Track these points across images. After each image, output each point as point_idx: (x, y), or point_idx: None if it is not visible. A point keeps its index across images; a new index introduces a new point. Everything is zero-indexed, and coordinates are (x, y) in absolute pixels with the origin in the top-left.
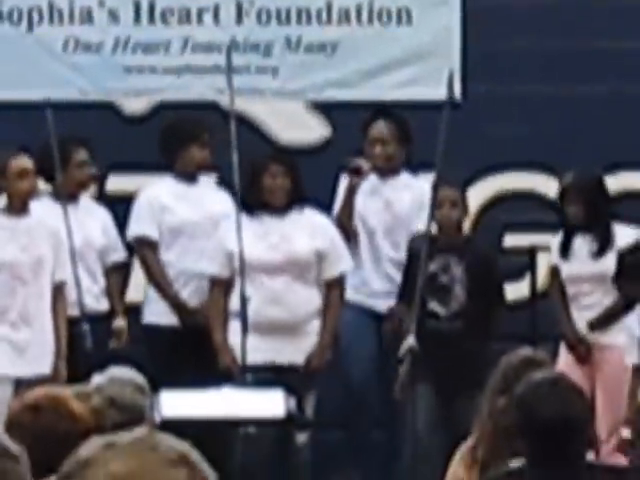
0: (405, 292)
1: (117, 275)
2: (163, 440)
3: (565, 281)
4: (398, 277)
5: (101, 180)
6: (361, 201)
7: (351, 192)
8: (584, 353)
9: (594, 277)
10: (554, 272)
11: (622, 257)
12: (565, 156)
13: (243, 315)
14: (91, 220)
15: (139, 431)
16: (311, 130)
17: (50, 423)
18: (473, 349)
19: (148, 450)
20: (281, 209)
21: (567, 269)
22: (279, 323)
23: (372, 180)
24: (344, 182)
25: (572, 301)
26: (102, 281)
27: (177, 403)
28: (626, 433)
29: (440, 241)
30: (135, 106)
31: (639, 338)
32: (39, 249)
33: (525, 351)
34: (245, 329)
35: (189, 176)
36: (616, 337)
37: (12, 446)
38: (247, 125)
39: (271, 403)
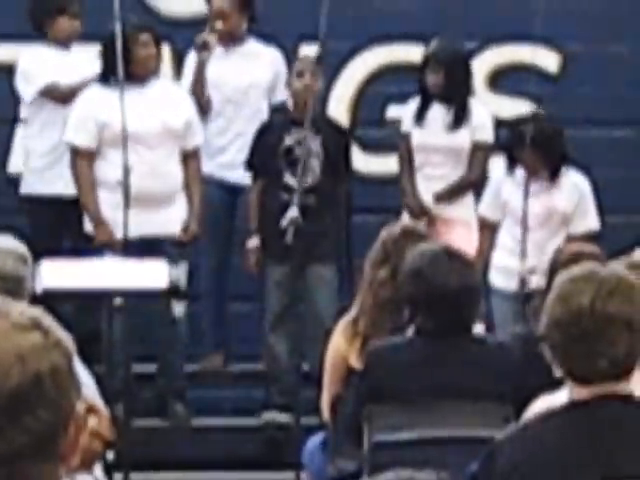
0: (253, 161)
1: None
2: (15, 307)
3: (415, 149)
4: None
5: None
6: (211, 70)
7: (201, 67)
8: (427, 224)
9: (446, 149)
10: (405, 140)
11: (515, 126)
12: (446, 28)
13: (125, 187)
14: None
15: None
16: (191, 2)
17: None
18: (325, 222)
19: None
20: (144, 79)
21: (419, 137)
22: (155, 195)
23: (220, 49)
24: (192, 58)
25: (419, 170)
26: None
27: (59, 273)
28: None
29: (295, 114)
30: None
31: (502, 200)
32: None
33: (405, 223)
34: (127, 202)
35: (62, 45)
36: (461, 211)
37: None
38: None
39: (153, 274)
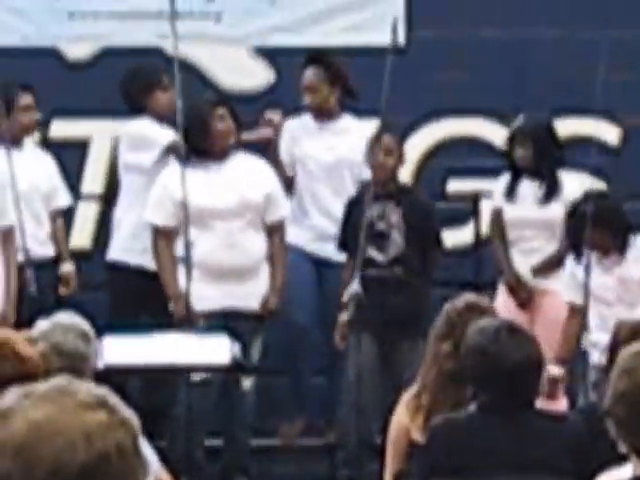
0: (344, 238)
1: (62, 220)
2: (81, 386)
3: (508, 225)
4: (331, 223)
5: (44, 126)
6: (300, 145)
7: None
8: (525, 297)
9: (538, 222)
10: (497, 215)
11: (574, 209)
12: (509, 102)
13: (187, 261)
14: (36, 165)
15: (58, 379)
16: (255, 76)
17: None
18: (412, 295)
19: (65, 395)
20: (224, 154)
21: (511, 212)
22: (234, 268)
23: (309, 124)
24: (286, 130)
25: (514, 245)
26: (47, 226)
27: (121, 350)
28: (555, 371)
29: (377, 188)
30: (78, 52)
31: (580, 280)
32: None
33: (469, 297)
34: (189, 275)
35: (160, 119)
36: (557, 283)
37: None
38: (190, 71)
39: (217, 349)
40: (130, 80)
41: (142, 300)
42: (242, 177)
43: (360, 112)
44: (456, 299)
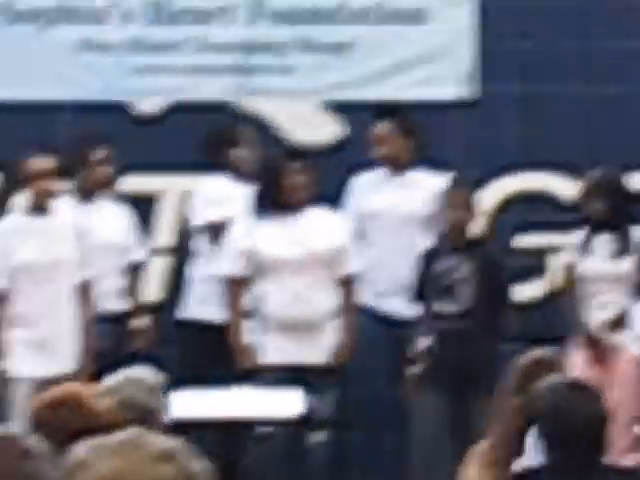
0: (419, 291)
1: (136, 274)
2: (151, 438)
3: (584, 279)
4: (404, 278)
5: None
6: (369, 199)
7: None
8: (600, 352)
9: (612, 277)
10: (571, 270)
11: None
12: (581, 156)
13: (259, 314)
14: (111, 219)
15: (129, 431)
16: (325, 130)
17: (70, 420)
18: (481, 349)
19: (133, 449)
20: (297, 207)
21: (587, 267)
22: (301, 321)
23: (380, 178)
24: (356, 183)
25: (588, 300)
26: (120, 281)
27: (188, 403)
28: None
29: (448, 241)
30: (148, 106)
31: None
32: (59, 249)
33: (538, 352)
34: (261, 328)
35: (238, 176)
36: (628, 337)
37: (35, 446)
38: (260, 126)
39: (287, 403)
40: (210, 136)
41: (212, 353)
42: (313, 230)
43: (432, 166)
44: (526, 354)
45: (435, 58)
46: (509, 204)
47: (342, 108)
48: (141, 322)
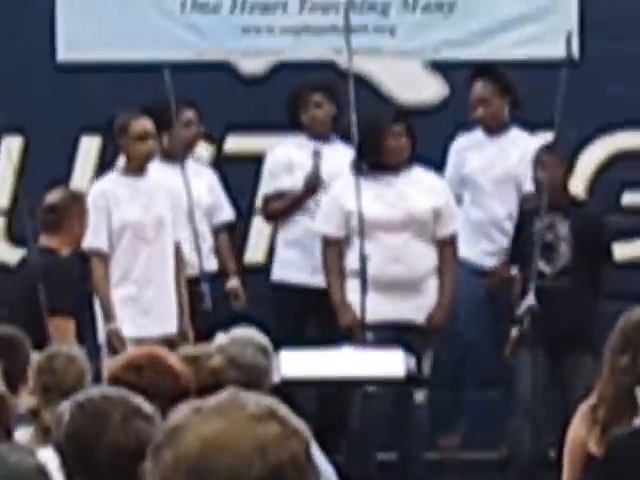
0: (515, 251)
1: (225, 235)
2: (249, 397)
3: None
4: (502, 236)
5: (219, 141)
6: (468, 159)
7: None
8: None
9: None
10: None
11: None
12: None
13: (363, 274)
14: (198, 180)
15: (225, 393)
16: (428, 90)
17: (152, 382)
18: (580, 307)
19: (235, 409)
20: (397, 168)
21: None
22: (399, 281)
23: (479, 139)
24: (456, 145)
25: None
26: (210, 241)
27: (297, 363)
28: None
29: (547, 201)
30: (252, 66)
31: None
32: (160, 209)
33: None
34: (364, 288)
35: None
36: None
37: (146, 407)
38: (364, 85)
39: (391, 363)
40: (288, 96)
41: (307, 315)
42: (412, 191)
43: (533, 125)
44: (632, 312)
45: (537, 17)
46: (613, 163)
47: (445, 67)
48: (235, 283)
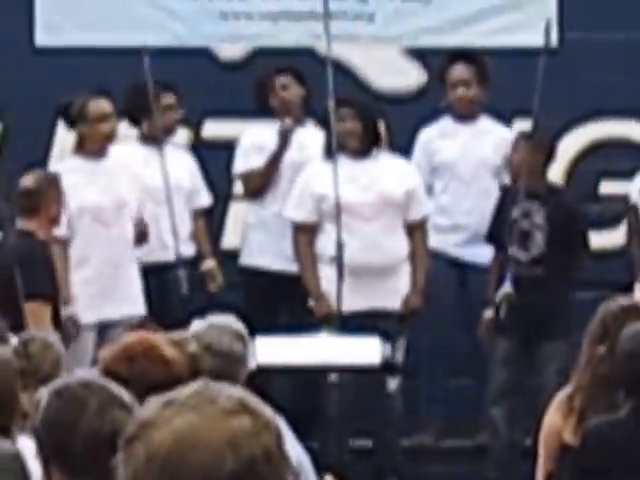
0: (493, 231)
1: (203, 219)
2: (220, 390)
3: None
4: (476, 224)
5: (197, 126)
6: (442, 147)
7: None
8: None
9: None
10: (633, 212)
11: None
12: None
13: (339, 261)
14: (177, 164)
15: (196, 384)
16: (407, 76)
17: (144, 371)
18: (553, 296)
19: (207, 403)
20: (361, 152)
21: None
22: (375, 267)
23: (449, 125)
24: (424, 134)
25: None
26: (189, 225)
27: (273, 350)
28: None
29: (525, 188)
30: (231, 52)
31: None
32: (120, 191)
33: (624, 300)
34: (341, 276)
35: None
36: None
37: (125, 395)
38: (343, 71)
39: (367, 350)
40: (256, 84)
41: (279, 301)
42: (383, 174)
43: (512, 113)
44: (611, 302)
45: (516, 6)
46: (591, 151)
47: (422, 54)
48: (210, 264)
